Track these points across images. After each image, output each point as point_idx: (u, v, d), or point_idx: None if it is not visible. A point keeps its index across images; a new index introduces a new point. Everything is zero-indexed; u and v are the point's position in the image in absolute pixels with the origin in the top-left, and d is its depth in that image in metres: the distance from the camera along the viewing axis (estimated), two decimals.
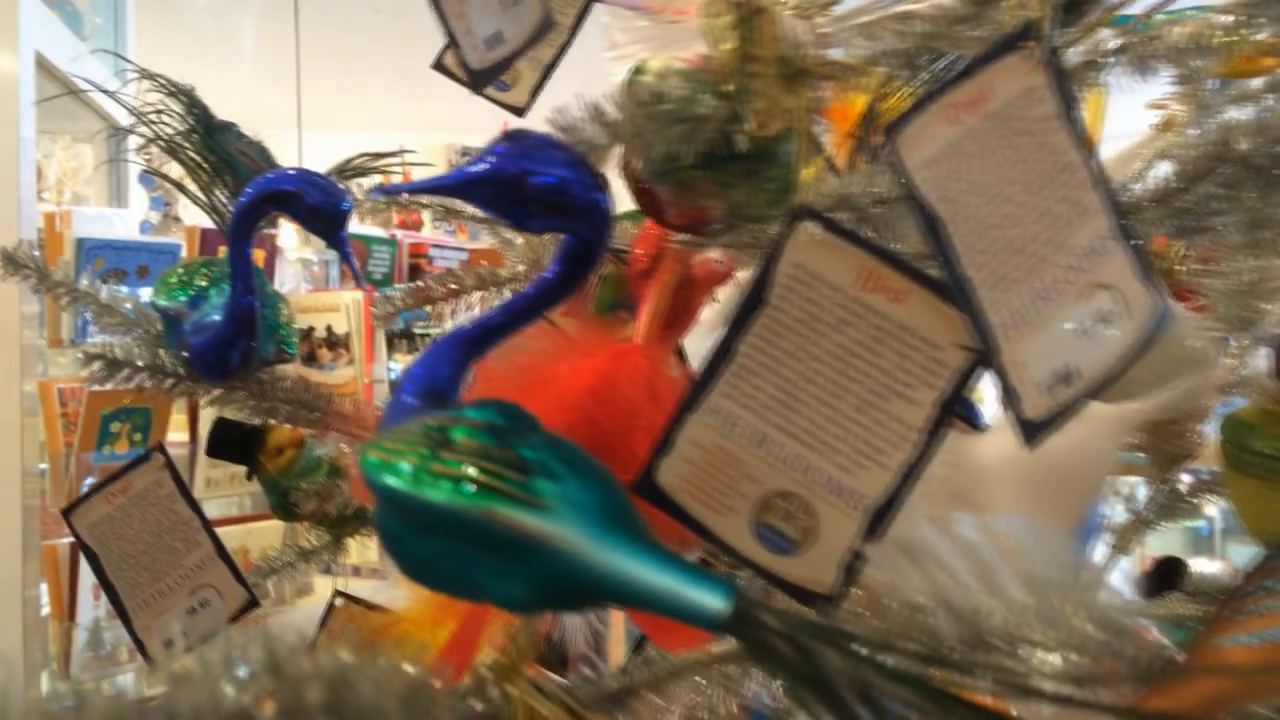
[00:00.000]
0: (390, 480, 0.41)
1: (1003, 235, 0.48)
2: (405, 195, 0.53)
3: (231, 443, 0.96)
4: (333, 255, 2.62)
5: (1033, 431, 0.48)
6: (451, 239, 3.33)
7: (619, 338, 0.76)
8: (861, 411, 0.50)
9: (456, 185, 0.46)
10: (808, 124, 0.52)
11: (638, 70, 0.57)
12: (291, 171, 0.72)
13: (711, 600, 0.37)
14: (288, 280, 2.63)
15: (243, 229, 0.71)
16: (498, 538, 0.39)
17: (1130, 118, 1.14)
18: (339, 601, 1.05)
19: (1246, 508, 0.70)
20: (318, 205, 0.69)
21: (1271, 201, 0.60)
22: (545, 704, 0.41)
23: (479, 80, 0.59)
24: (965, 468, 0.54)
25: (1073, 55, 0.59)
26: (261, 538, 2.15)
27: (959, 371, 0.49)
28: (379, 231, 2.90)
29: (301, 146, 3.73)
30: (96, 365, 0.72)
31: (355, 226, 2.61)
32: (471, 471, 0.40)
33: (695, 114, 0.49)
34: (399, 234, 3.00)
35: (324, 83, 3.92)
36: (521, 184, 0.46)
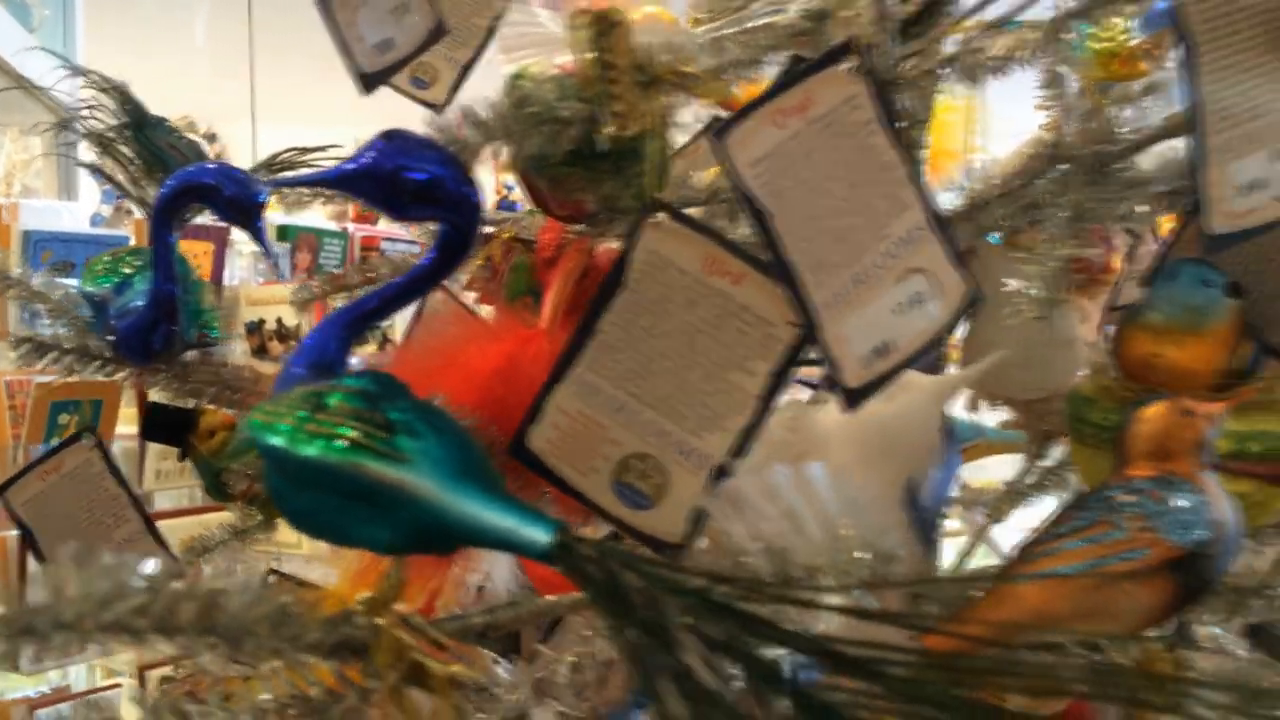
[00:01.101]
0: (271, 439, 0.46)
1: (825, 225, 0.54)
2: (296, 188, 0.58)
3: (164, 425, 1.00)
4: (282, 248, 2.65)
5: (853, 398, 0.55)
6: (404, 232, 3.35)
7: (526, 323, 0.82)
8: (707, 381, 0.56)
9: (336, 179, 0.52)
10: (663, 125, 0.58)
11: (517, 75, 0.62)
12: (211, 165, 0.77)
13: (539, 535, 0.43)
14: (239, 272, 2.65)
15: (163, 219, 0.75)
16: (365, 488, 0.45)
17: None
18: (272, 579, 1.10)
19: (1089, 476, 0.78)
20: (234, 197, 0.74)
21: (1095, 196, 0.68)
22: (410, 634, 0.47)
23: (369, 83, 0.65)
24: (806, 432, 0.60)
25: (912, 65, 0.66)
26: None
27: (789, 345, 0.55)
28: (331, 224, 2.92)
29: (256, 140, 3.74)
30: (24, 348, 0.77)
31: (308, 219, 2.63)
32: (342, 430, 0.46)
33: (559, 116, 0.55)
34: (351, 227, 3.02)
35: (278, 76, 3.93)
36: (397, 179, 0.52)
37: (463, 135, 0.55)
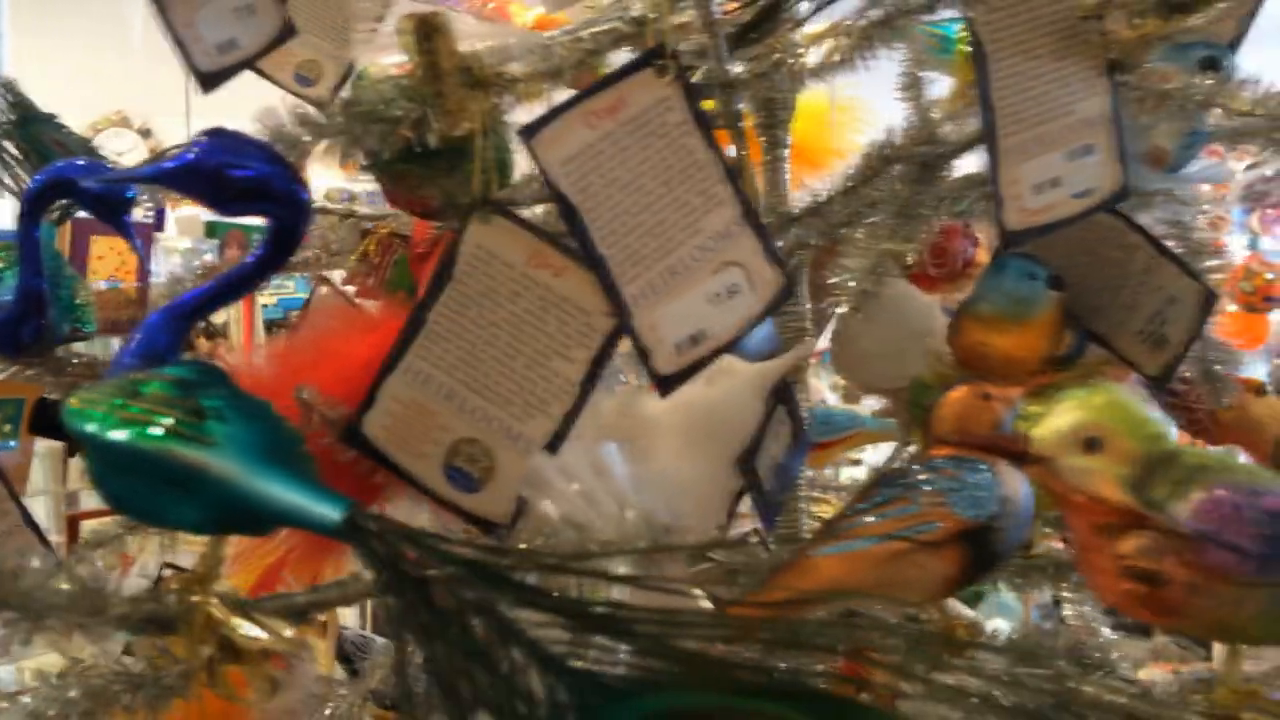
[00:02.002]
0: (84, 425, 0.48)
1: (638, 221, 0.57)
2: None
3: (52, 420, 1.01)
4: (210, 245, 2.63)
5: (665, 383, 0.58)
6: None
7: (398, 315, 0.84)
8: (531, 369, 0.59)
9: (159, 175, 0.54)
10: (496, 125, 0.61)
11: (359, 75, 0.65)
12: (79, 161, 0.78)
13: (331, 512, 0.45)
14: (166, 269, 2.63)
15: (31, 214, 0.76)
16: (173, 471, 0.47)
17: None
18: (166, 572, 1.11)
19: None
20: (101, 193, 0.75)
21: (919, 193, 0.72)
22: (225, 611, 0.49)
23: (208, 83, 0.67)
24: (635, 416, 0.63)
25: (747, 69, 0.69)
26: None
27: (606, 334, 0.58)
28: (259, 221, 2.90)
29: (190, 135, 3.69)
30: None
31: (240, 217, 2.62)
32: (153, 416, 0.48)
33: (389, 115, 0.58)
34: None
35: None
36: (221, 176, 0.54)
37: (294, 133, 0.57)
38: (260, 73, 0.89)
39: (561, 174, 0.55)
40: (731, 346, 0.60)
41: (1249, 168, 3.23)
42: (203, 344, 2.56)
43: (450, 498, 0.60)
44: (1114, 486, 0.43)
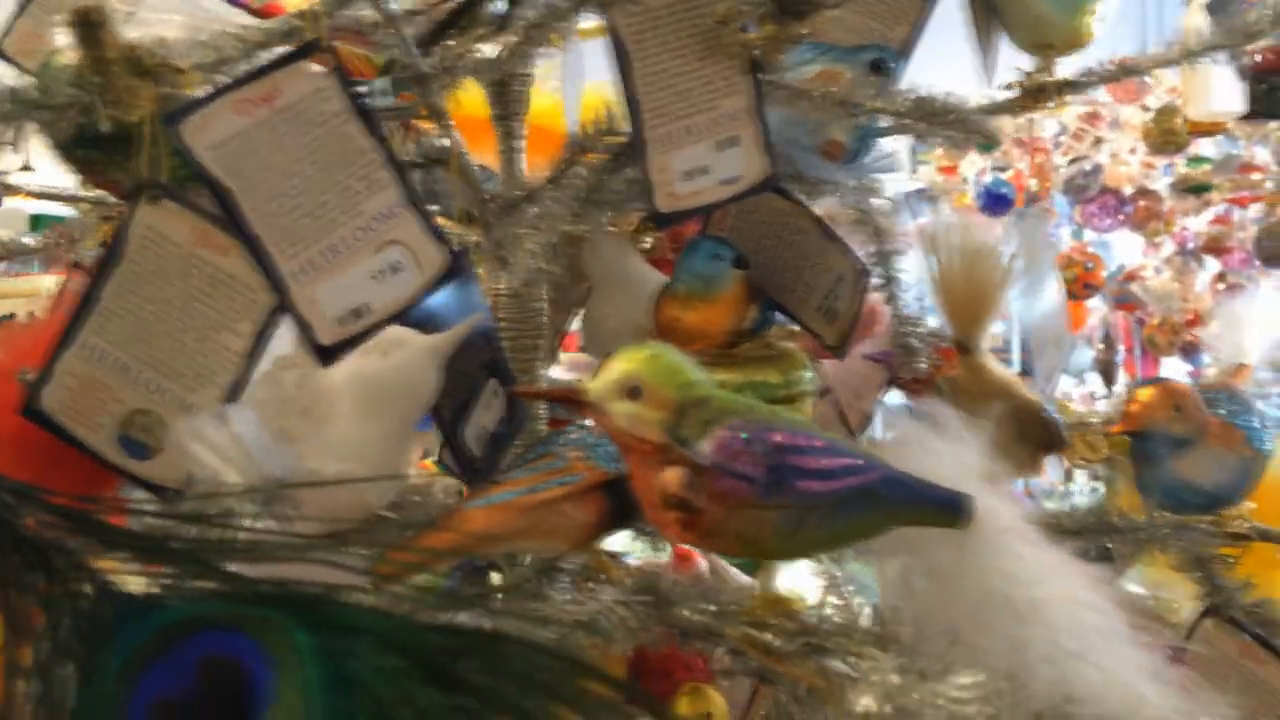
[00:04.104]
0: None
1: (295, 203, 0.62)
2: None
3: None
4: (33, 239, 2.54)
5: (325, 354, 0.63)
6: None
7: None
8: (201, 343, 0.63)
9: None
10: (158, 112, 0.64)
11: (44, 63, 0.67)
12: None
13: None
14: None
15: None
16: None
17: None
18: None
19: None
20: None
21: (605, 182, 0.78)
22: None
23: None
24: (311, 387, 0.68)
25: (440, 63, 0.74)
26: None
27: (269, 309, 0.62)
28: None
29: None
30: None
31: (59, 208, 2.54)
32: None
33: (54, 103, 0.61)
34: None
35: None
36: None
37: None
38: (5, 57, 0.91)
39: (211, 159, 0.59)
40: (395, 320, 0.65)
41: (1072, 162, 3.48)
42: None
43: (125, 466, 0.63)
44: (651, 428, 0.50)
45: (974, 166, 3.49)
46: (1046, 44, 0.85)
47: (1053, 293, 0.88)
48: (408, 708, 0.34)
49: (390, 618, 0.36)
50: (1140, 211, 3.39)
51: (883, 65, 0.84)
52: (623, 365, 0.51)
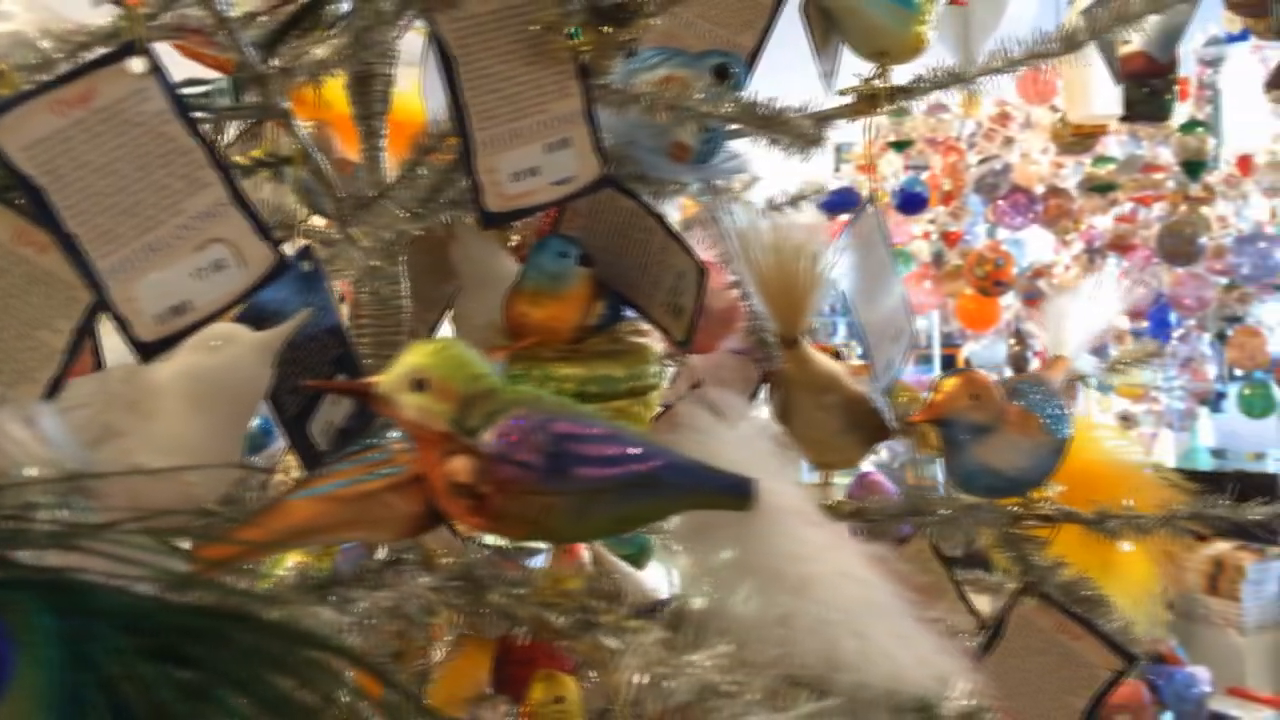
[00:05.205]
0: None
1: (112, 201, 0.63)
2: None
3: None
4: None
5: (146, 350, 0.64)
6: None
7: None
8: (20, 340, 0.63)
9: None
10: None
11: None
12: None
13: None
14: None
15: None
16: None
17: None
18: None
19: None
20: None
21: (450, 181, 0.80)
22: None
23: None
24: (139, 383, 0.69)
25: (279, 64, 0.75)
26: None
27: (88, 305, 0.63)
28: None
29: None
30: None
31: None
32: None
33: None
34: None
35: None
36: None
37: None
38: None
39: (25, 158, 0.60)
40: (219, 315, 0.66)
41: (982, 162, 3.58)
42: None
43: None
44: (437, 419, 0.52)
45: (891, 166, 3.57)
46: (882, 52, 0.90)
47: (892, 288, 0.93)
48: (134, 684, 0.36)
49: (130, 600, 0.38)
50: (1050, 209, 3.50)
51: (727, 70, 0.87)
52: (410, 359, 0.53)
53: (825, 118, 0.86)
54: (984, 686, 0.56)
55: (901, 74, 0.90)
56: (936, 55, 0.90)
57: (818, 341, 1.12)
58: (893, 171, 3.58)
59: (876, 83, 0.88)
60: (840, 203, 3.28)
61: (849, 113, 0.88)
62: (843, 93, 0.89)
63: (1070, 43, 0.87)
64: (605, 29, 0.69)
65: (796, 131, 0.77)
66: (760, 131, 0.78)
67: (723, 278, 0.94)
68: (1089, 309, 0.90)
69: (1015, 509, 0.77)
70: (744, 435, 0.58)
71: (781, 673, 0.50)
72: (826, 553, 0.56)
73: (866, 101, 0.88)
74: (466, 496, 0.52)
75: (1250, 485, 0.96)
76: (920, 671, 0.53)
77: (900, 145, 3.37)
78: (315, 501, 0.65)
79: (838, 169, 3.94)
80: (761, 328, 0.97)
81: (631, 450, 0.54)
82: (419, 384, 0.52)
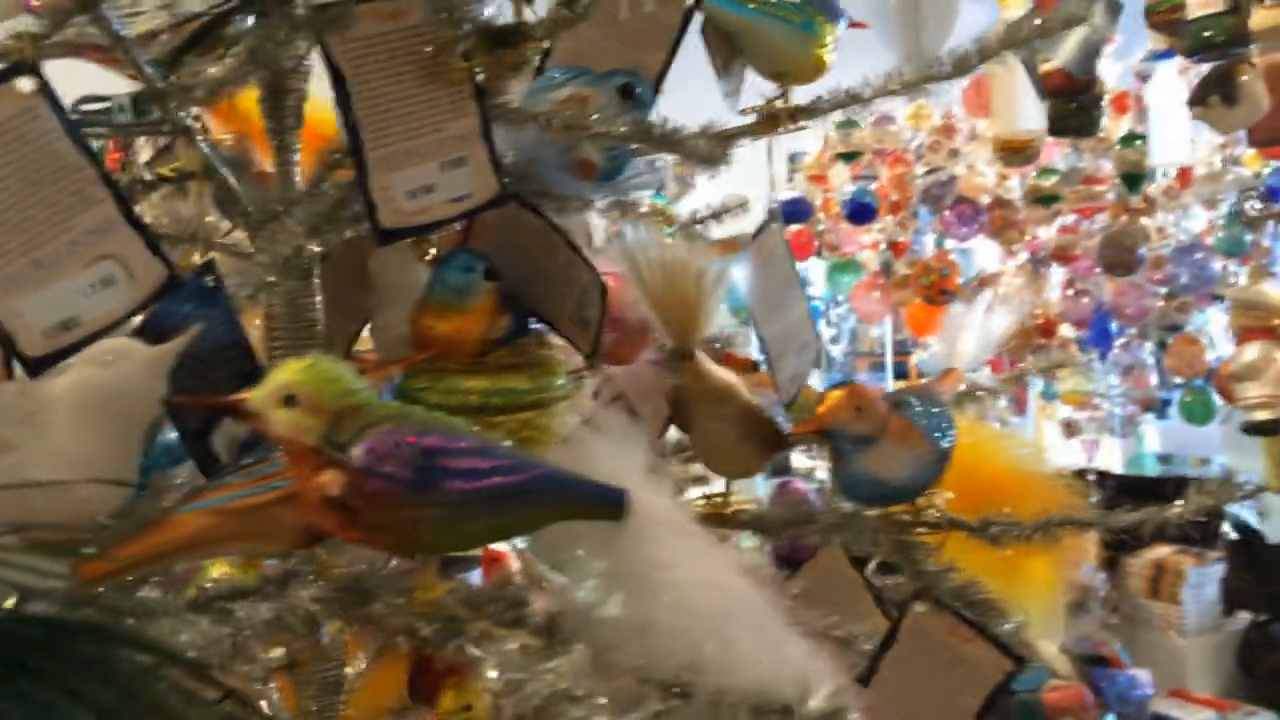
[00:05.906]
0: None
1: (2, 218, 0.64)
2: None
3: None
4: None
5: (35, 366, 0.65)
6: None
7: None
8: None
9: None
10: None
11: None
12: None
13: None
14: None
15: None
16: None
17: None
18: None
19: None
20: None
21: (350, 197, 0.81)
22: None
23: None
24: (34, 396, 0.69)
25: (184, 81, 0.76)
26: None
27: None
28: None
29: None
30: None
31: None
32: None
33: None
34: None
35: None
36: None
37: None
38: None
39: None
40: (109, 331, 0.67)
41: (928, 173, 3.64)
42: None
43: None
44: (307, 433, 0.54)
45: (841, 176, 3.62)
46: (783, 73, 0.92)
47: (796, 302, 0.95)
48: None
49: None
50: (996, 220, 3.57)
51: (631, 90, 0.89)
52: (281, 375, 0.54)
53: (725, 137, 0.88)
54: (851, 690, 0.58)
55: (802, 94, 0.93)
56: (836, 76, 0.93)
57: (733, 353, 1.15)
58: (840, 182, 3.64)
59: (778, 103, 0.90)
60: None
61: (750, 132, 0.91)
62: (744, 112, 0.91)
63: (961, 67, 0.90)
64: (498, 51, 0.71)
65: (693, 151, 0.79)
66: (658, 150, 0.80)
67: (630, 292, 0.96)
68: (984, 322, 0.94)
69: (904, 517, 0.80)
70: (617, 447, 0.60)
71: (642, 677, 0.52)
72: (694, 561, 0.58)
73: (768, 121, 0.91)
74: (337, 510, 0.53)
75: (1178, 490, 0.99)
76: (783, 675, 0.56)
77: (849, 156, 3.42)
78: (203, 515, 0.66)
79: (790, 179, 3.99)
80: (659, 341, 0.99)
81: (501, 463, 0.55)
82: (289, 399, 0.53)
